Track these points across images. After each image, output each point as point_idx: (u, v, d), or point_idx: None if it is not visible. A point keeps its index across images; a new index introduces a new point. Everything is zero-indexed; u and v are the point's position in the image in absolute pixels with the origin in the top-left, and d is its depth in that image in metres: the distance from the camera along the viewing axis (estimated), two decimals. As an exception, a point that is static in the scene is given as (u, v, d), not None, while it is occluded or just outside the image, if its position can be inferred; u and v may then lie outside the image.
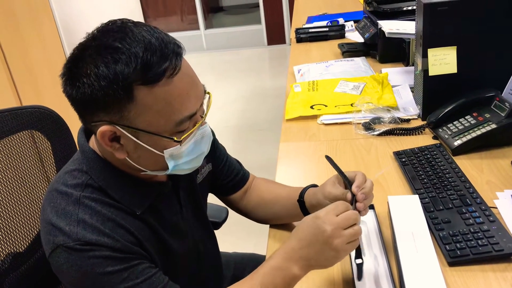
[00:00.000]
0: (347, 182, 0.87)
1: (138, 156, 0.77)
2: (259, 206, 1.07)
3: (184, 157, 0.78)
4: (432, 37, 1.30)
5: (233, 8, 6.59)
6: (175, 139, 0.74)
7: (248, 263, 1.27)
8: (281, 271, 0.78)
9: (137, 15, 5.15)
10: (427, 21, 1.28)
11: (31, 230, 1.12)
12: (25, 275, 1.08)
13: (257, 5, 5.36)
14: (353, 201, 0.84)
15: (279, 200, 1.04)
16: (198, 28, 5.50)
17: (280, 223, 1.07)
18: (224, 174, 1.07)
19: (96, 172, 0.80)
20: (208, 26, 5.64)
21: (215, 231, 1.26)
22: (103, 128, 0.73)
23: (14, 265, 1.07)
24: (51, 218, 0.77)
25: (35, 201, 1.14)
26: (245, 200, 1.09)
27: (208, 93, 0.81)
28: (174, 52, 0.71)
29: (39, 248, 1.10)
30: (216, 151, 1.06)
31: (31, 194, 1.13)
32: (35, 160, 1.16)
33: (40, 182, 1.17)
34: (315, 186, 1.00)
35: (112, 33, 0.71)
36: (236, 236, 2.06)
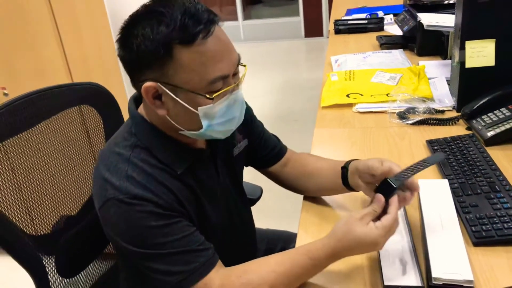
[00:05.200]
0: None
1: (176, 114, 0.85)
2: (301, 178, 1.13)
3: (217, 118, 0.85)
4: (470, 29, 1.32)
5: (272, 0, 6.63)
6: (208, 96, 0.81)
7: (279, 239, 1.33)
8: (317, 266, 0.85)
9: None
10: (466, 14, 1.30)
11: (83, 195, 1.22)
12: (76, 236, 1.18)
13: (296, -3, 5.39)
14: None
15: (322, 171, 1.09)
16: (236, 19, 5.58)
17: (320, 195, 1.12)
18: (261, 148, 1.14)
19: (143, 134, 0.89)
20: (246, 17, 5.70)
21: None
22: (147, 84, 0.81)
23: (67, 226, 1.18)
24: (103, 173, 0.86)
25: (88, 169, 1.24)
26: (286, 173, 1.15)
27: (244, 65, 0.89)
28: (208, 18, 0.80)
29: (89, 213, 1.20)
30: (254, 127, 1.13)
31: (83, 163, 1.23)
32: (89, 132, 1.26)
33: (91, 153, 1.27)
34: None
35: (159, 1, 0.82)
36: (269, 215, 2.11)
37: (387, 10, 2.68)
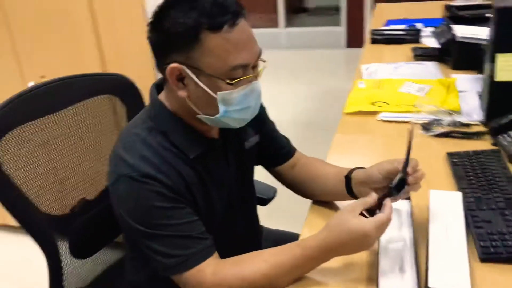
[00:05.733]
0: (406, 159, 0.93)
1: (196, 97, 0.89)
2: (307, 181, 1.13)
3: (233, 105, 0.88)
4: (503, 41, 1.27)
5: (316, 10, 6.63)
6: (228, 81, 0.86)
7: (286, 240, 1.32)
8: (309, 258, 0.86)
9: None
10: (499, 25, 1.26)
11: (102, 182, 1.26)
12: (91, 220, 1.23)
13: (340, 8, 5.38)
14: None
15: (328, 176, 1.09)
16: (277, 26, 5.62)
17: (324, 199, 1.12)
18: (271, 146, 1.15)
19: (161, 119, 0.94)
20: (288, 24, 5.73)
21: (262, 207, 1.34)
22: (173, 65, 0.86)
23: (84, 210, 1.22)
24: (119, 152, 0.91)
25: (107, 157, 1.28)
26: (293, 174, 1.16)
27: (264, 61, 0.92)
28: (235, 10, 0.85)
29: (106, 199, 1.24)
30: (265, 125, 1.14)
31: (106, 151, 1.28)
32: (113, 122, 1.30)
33: (112, 142, 1.31)
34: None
35: None
36: (282, 217, 2.08)
37: (427, 22, 2.62)
